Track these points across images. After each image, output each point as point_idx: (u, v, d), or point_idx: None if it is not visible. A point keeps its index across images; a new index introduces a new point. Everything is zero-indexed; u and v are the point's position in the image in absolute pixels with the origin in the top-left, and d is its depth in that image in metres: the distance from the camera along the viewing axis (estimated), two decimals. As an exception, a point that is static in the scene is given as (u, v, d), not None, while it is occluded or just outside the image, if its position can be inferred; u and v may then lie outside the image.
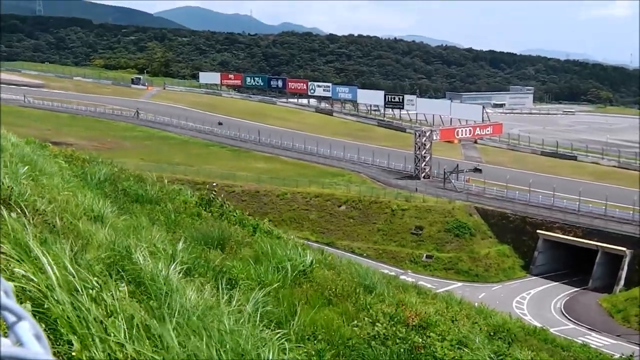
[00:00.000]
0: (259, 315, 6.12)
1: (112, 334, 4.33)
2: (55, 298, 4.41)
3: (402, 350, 7.75)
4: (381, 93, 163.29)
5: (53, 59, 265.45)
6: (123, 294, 5.08)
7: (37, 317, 4.15)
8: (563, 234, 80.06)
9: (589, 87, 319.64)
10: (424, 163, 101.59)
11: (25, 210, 6.69)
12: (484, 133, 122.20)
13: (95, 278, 5.12)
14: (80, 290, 4.68)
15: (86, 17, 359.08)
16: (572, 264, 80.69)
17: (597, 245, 76.91)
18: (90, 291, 4.81)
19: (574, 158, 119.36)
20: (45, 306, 4.33)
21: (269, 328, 6.02)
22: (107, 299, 4.74)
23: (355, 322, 7.63)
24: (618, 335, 62.45)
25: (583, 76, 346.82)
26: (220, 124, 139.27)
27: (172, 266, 6.41)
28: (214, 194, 15.46)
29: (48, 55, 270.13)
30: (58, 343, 4.16)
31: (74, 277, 4.89)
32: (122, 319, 4.54)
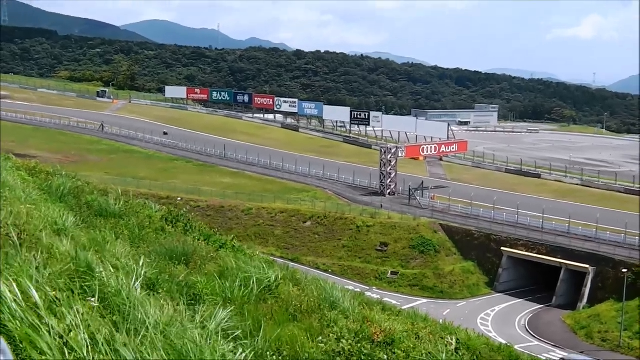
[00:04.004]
0: (223, 330, 6.07)
1: (74, 349, 4.27)
2: (15, 313, 4.34)
3: (367, 366, 7.73)
4: (347, 109, 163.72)
5: (17, 70, 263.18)
6: (87, 308, 5.01)
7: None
8: (527, 251, 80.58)
9: (553, 105, 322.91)
10: (389, 180, 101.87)
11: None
12: (449, 150, 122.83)
13: (55, 292, 5.05)
14: (41, 304, 4.62)
15: (52, 28, 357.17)
16: (536, 281, 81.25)
17: (560, 263, 77.53)
18: (53, 305, 4.74)
19: (538, 176, 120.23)
20: (6, 320, 4.27)
21: (234, 343, 5.97)
22: (70, 314, 4.67)
23: (320, 338, 7.60)
24: (581, 352, 62.90)
25: (547, 95, 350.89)
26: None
27: (136, 280, 6.35)
28: (184, 210, 15.40)
29: (12, 66, 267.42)
30: (19, 358, 4.09)
31: (36, 291, 4.82)
32: (84, 334, 4.47)
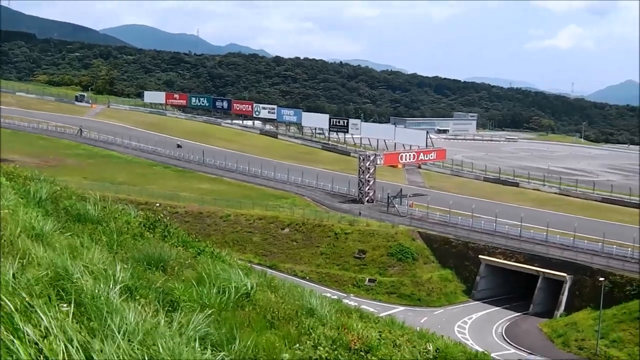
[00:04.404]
0: (200, 337, 6.06)
1: (50, 356, 4.25)
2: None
3: (344, 374, 7.73)
4: (326, 116, 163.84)
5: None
6: (63, 314, 5.00)
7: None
8: (505, 259, 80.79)
9: (531, 114, 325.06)
10: (367, 187, 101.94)
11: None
12: (427, 158, 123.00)
13: (31, 298, 5.03)
14: (17, 310, 4.60)
15: (31, 31, 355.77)
16: (514, 289, 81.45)
17: (538, 271, 77.80)
18: (28, 311, 4.72)
19: (516, 184, 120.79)
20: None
21: (211, 350, 5.96)
22: (46, 320, 4.65)
23: (297, 345, 7.59)
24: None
25: (526, 104, 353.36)
26: (179, 146, 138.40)
27: (113, 286, 6.33)
28: (161, 216, 15.32)
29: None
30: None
31: (12, 296, 4.80)
32: (60, 340, 4.46)
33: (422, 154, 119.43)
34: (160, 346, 5.07)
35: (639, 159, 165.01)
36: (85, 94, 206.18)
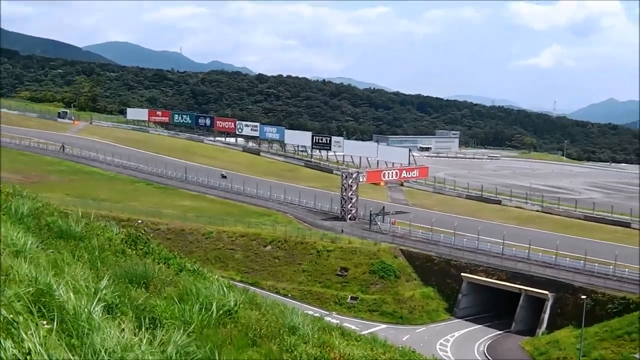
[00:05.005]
0: (181, 355, 6.05)
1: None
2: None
3: (326, 392, 7.71)
4: (309, 134, 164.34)
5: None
6: (44, 331, 4.98)
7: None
8: (487, 277, 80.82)
9: (513, 132, 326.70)
10: (350, 204, 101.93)
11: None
12: (410, 176, 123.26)
13: (13, 315, 5.01)
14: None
15: (13, 48, 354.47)
16: (496, 307, 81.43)
17: (520, 289, 77.83)
18: (10, 328, 4.70)
19: (499, 202, 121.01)
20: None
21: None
22: (26, 337, 4.63)
23: (280, 363, 7.58)
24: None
25: (508, 122, 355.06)
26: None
27: (95, 304, 6.31)
28: (143, 232, 15.27)
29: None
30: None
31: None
32: (42, 358, 4.44)
33: (404, 171, 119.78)
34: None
35: (639, 179, 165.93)
36: (68, 111, 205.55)
